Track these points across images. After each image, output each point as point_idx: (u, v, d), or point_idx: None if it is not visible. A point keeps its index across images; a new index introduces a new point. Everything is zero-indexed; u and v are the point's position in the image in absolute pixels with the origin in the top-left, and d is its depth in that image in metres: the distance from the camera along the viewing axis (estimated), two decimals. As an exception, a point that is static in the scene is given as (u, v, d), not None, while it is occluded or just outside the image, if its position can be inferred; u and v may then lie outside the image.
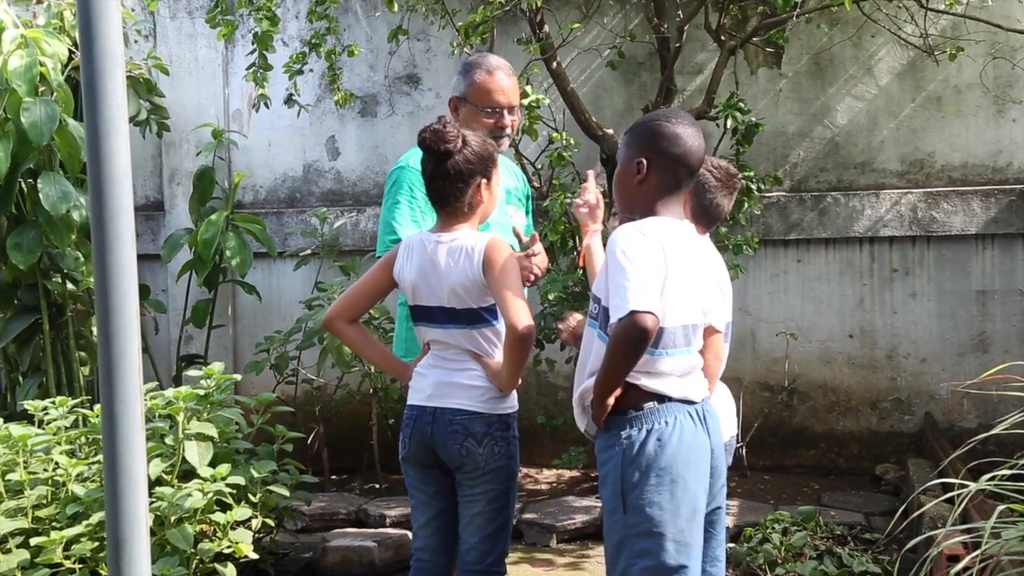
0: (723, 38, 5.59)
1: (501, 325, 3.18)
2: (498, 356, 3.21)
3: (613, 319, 2.71)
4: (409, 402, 3.30)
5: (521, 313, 3.05)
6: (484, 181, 3.21)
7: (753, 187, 5.57)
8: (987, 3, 5.23)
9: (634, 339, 2.69)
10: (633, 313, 2.66)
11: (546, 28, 5.51)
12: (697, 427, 2.87)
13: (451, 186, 3.17)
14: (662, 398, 2.84)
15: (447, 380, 3.21)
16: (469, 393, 3.19)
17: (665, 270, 2.78)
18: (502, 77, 3.77)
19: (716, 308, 3.18)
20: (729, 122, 5.37)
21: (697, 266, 2.93)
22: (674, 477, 2.79)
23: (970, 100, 6.21)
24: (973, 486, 2.81)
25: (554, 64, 5.55)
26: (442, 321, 3.20)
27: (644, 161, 2.90)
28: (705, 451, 2.88)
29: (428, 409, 3.22)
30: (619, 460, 2.83)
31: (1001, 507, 2.94)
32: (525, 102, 5.09)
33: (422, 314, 3.24)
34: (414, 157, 3.58)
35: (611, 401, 2.83)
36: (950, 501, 3.37)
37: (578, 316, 3.53)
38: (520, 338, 3.06)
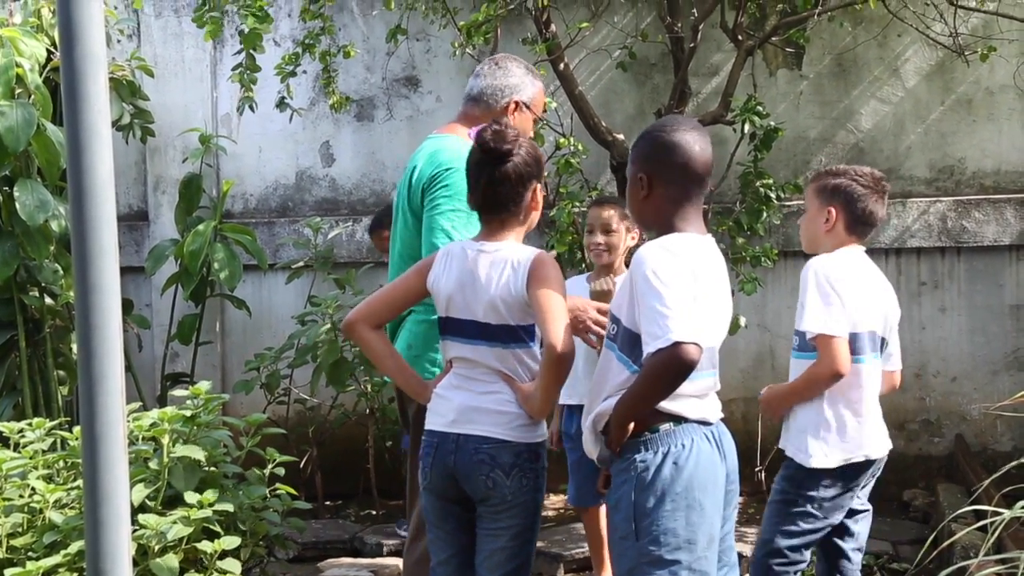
0: (740, 38, 5.60)
1: (538, 348, 3.13)
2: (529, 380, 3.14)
3: (651, 348, 2.71)
4: (428, 427, 3.20)
5: (563, 333, 2.98)
6: (539, 185, 3.22)
7: (772, 195, 5.58)
8: (1021, 0, 5.25)
9: (676, 372, 2.71)
10: (677, 344, 2.67)
11: (553, 27, 5.52)
12: (713, 449, 2.89)
13: (511, 190, 3.15)
14: (678, 419, 2.86)
15: (473, 404, 3.12)
16: (497, 419, 3.10)
17: (695, 290, 2.79)
18: None
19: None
20: (747, 126, 5.37)
21: (721, 285, 2.96)
22: (690, 503, 2.82)
23: (1003, 103, 6.21)
24: (1007, 513, 2.81)
25: (561, 65, 5.56)
26: (473, 336, 3.13)
27: (644, 176, 2.94)
28: (721, 475, 2.91)
29: (451, 436, 3.12)
30: (633, 485, 2.85)
31: (1037, 536, 2.94)
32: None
33: (452, 327, 3.17)
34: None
35: (631, 428, 2.85)
36: (983, 529, 3.37)
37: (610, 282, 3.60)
38: (558, 359, 2.97)
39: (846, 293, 3.52)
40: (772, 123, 5.49)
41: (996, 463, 5.72)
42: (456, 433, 3.12)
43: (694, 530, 2.82)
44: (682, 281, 2.77)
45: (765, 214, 5.60)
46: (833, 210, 3.66)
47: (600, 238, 4.52)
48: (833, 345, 3.46)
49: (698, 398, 2.90)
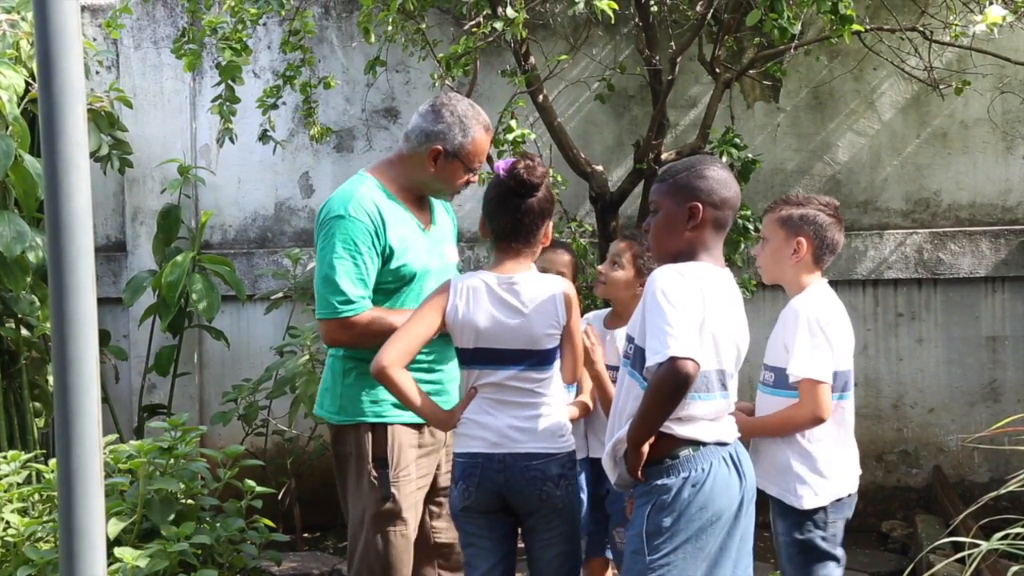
0: (718, 70, 5.64)
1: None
2: (558, 394, 3.38)
3: (651, 363, 2.87)
4: (464, 450, 3.35)
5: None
6: (550, 221, 3.43)
7: (750, 227, 5.60)
8: (994, 35, 5.30)
9: (674, 385, 2.85)
10: (673, 359, 2.82)
11: (532, 60, 5.55)
12: (731, 470, 3.04)
13: (533, 223, 3.37)
14: (697, 444, 3.00)
15: (515, 424, 3.30)
16: (540, 435, 3.30)
17: (703, 314, 2.93)
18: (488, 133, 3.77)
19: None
20: (724, 158, 5.40)
21: (734, 313, 3.11)
22: (702, 525, 2.97)
23: (977, 136, 6.27)
24: (985, 545, 2.82)
25: (540, 97, 5.58)
26: (506, 363, 3.30)
27: (699, 206, 3.07)
28: (736, 494, 3.04)
29: (496, 456, 3.29)
30: (651, 505, 2.99)
31: (1015, 568, 2.95)
32: (510, 137, 5.12)
33: (483, 357, 3.33)
34: (352, 204, 3.57)
35: (646, 449, 2.97)
36: (961, 561, 3.37)
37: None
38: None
39: (834, 335, 3.50)
40: (750, 155, 5.53)
41: (974, 494, 5.74)
42: (502, 453, 3.29)
43: (702, 547, 2.96)
44: (689, 303, 2.91)
45: (743, 245, 5.62)
46: (803, 240, 3.61)
47: (602, 267, 4.44)
48: (818, 390, 3.42)
49: (712, 421, 3.04)
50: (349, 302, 3.51)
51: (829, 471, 3.51)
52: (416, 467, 3.65)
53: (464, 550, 3.44)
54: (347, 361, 3.65)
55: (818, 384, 3.42)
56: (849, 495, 3.57)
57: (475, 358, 3.34)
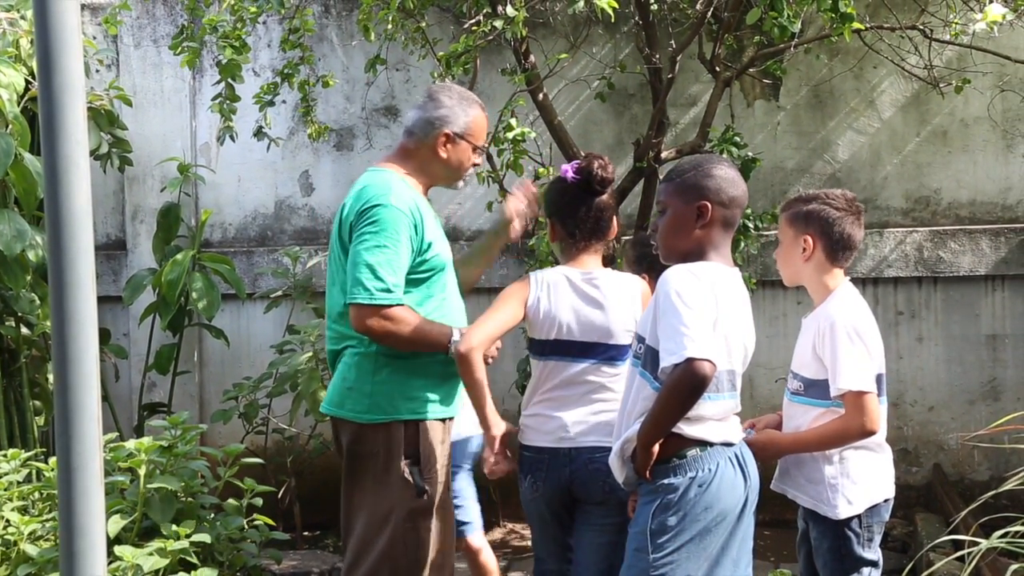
0: (718, 69, 5.64)
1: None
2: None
3: (667, 364, 2.87)
4: (532, 443, 3.48)
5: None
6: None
7: (750, 225, 5.60)
8: (994, 34, 5.30)
9: (691, 386, 2.85)
10: (691, 360, 2.82)
11: (532, 58, 5.55)
12: (736, 471, 3.05)
13: (609, 218, 3.54)
14: (704, 444, 3.01)
15: (580, 419, 3.42)
16: (604, 429, 3.38)
17: (716, 314, 2.94)
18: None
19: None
20: (724, 157, 5.40)
21: (743, 313, 3.11)
22: (707, 524, 2.98)
23: (977, 134, 6.27)
24: (984, 543, 2.82)
25: (540, 96, 5.58)
26: (584, 355, 3.43)
27: (708, 205, 3.08)
28: (741, 495, 3.06)
29: (562, 450, 3.42)
30: (657, 504, 3.00)
31: (1015, 566, 2.95)
32: (510, 135, 5.12)
33: (561, 349, 3.44)
34: (394, 195, 3.53)
35: (656, 449, 2.98)
36: (961, 559, 3.37)
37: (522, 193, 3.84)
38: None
39: (871, 341, 3.39)
40: (750, 153, 5.53)
41: (973, 492, 5.74)
42: (568, 447, 3.41)
43: (706, 548, 2.98)
44: (703, 303, 2.92)
45: (743, 244, 5.62)
46: (809, 238, 3.43)
47: None
48: (865, 401, 3.29)
49: (720, 421, 3.05)
50: (388, 291, 3.44)
51: (863, 478, 3.41)
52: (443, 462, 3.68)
53: (533, 535, 3.62)
54: (379, 358, 3.54)
55: (863, 395, 3.29)
56: (885, 500, 3.48)
57: (552, 350, 3.45)
